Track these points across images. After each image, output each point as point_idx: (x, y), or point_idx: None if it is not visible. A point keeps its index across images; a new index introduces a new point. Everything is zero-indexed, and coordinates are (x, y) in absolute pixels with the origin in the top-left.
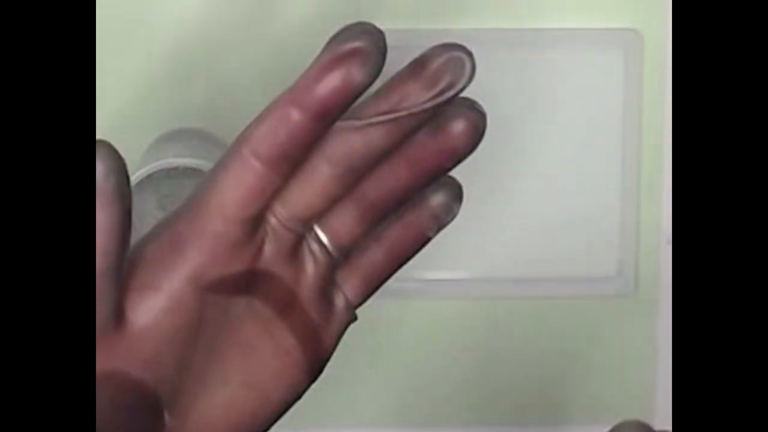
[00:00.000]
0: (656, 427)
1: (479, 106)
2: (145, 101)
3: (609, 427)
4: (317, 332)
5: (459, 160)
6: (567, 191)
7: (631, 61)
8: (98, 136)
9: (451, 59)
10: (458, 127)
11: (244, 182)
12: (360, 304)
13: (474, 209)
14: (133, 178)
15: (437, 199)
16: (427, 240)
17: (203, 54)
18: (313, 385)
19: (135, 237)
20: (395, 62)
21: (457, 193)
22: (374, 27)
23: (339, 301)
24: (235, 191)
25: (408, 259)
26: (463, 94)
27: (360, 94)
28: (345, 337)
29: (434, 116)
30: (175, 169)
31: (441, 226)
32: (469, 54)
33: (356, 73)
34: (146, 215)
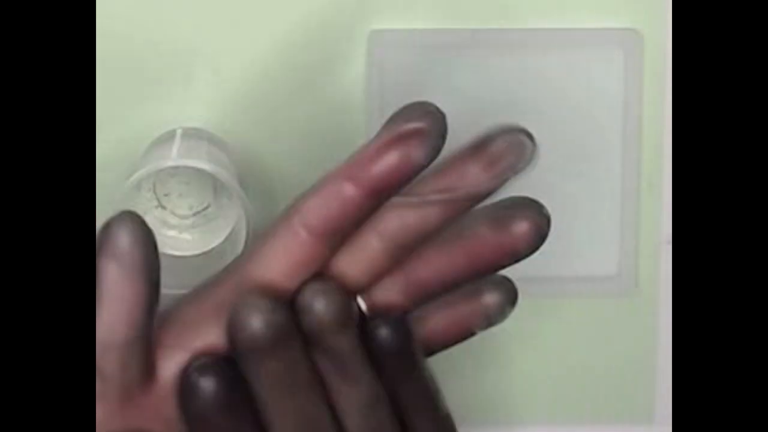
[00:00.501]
0: (656, 428)
1: (546, 210)
2: (145, 101)
3: (609, 428)
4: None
5: (517, 260)
6: (567, 191)
7: (631, 61)
8: (98, 136)
9: (512, 142)
10: (522, 228)
11: (293, 253)
12: None
13: None
14: (133, 178)
15: (492, 298)
16: (472, 335)
17: (204, 53)
18: None
19: None
20: (395, 63)
21: (512, 297)
22: (436, 108)
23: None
24: (282, 262)
25: (446, 348)
26: (467, 95)
27: (417, 174)
28: None
29: (500, 210)
30: (175, 169)
31: (489, 325)
32: (531, 137)
33: (415, 153)
34: (146, 215)
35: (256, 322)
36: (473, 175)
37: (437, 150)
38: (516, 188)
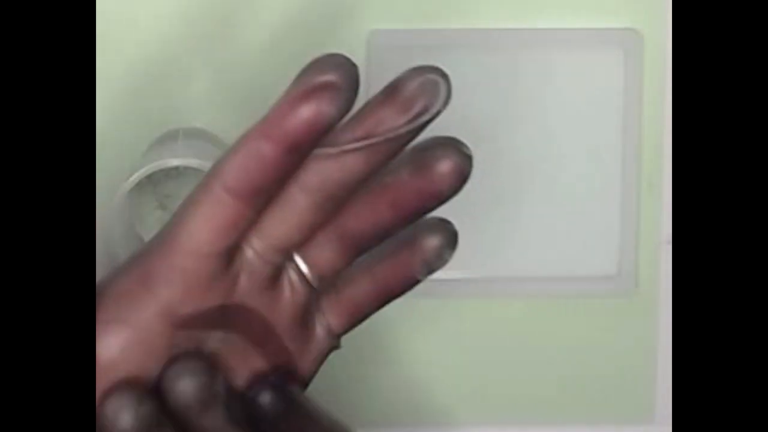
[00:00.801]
0: (656, 428)
1: (466, 148)
2: (145, 101)
3: (609, 428)
4: (293, 359)
5: (441, 202)
6: (567, 191)
7: (631, 61)
8: (98, 136)
9: (425, 82)
10: (442, 168)
11: (216, 218)
12: (343, 333)
13: (473, 209)
14: (133, 178)
15: (430, 243)
16: (417, 282)
17: (204, 53)
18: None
19: (136, 238)
20: (395, 63)
21: (451, 240)
22: (347, 59)
23: (320, 329)
24: (206, 227)
25: (396, 296)
26: (468, 95)
27: (332, 127)
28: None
29: (418, 152)
30: (175, 169)
31: (431, 271)
32: (444, 76)
33: (327, 107)
34: (146, 215)
35: (125, 417)
36: (389, 120)
37: (350, 102)
38: (514, 184)
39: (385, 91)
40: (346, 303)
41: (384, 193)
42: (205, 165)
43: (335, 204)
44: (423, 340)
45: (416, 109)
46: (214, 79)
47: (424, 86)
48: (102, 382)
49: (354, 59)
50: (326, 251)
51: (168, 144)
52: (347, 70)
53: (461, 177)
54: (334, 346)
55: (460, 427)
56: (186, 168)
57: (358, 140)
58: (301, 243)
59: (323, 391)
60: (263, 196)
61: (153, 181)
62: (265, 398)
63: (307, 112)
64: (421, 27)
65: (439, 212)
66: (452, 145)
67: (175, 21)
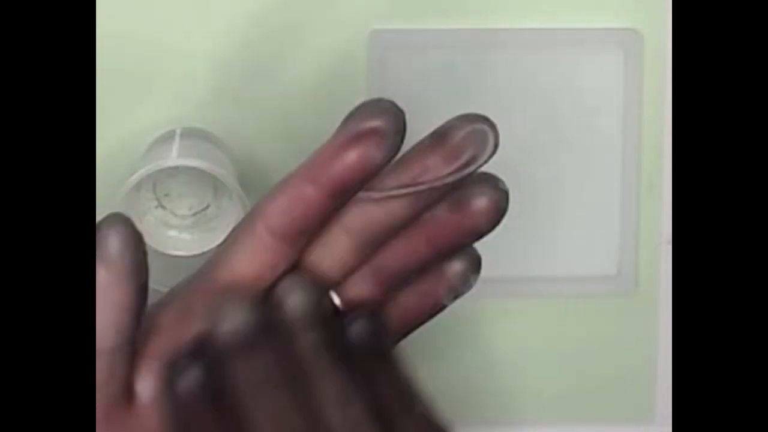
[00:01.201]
0: (656, 428)
1: (503, 184)
2: (145, 101)
3: (609, 427)
4: None
5: (478, 238)
6: (567, 191)
7: (631, 61)
8: (98, 136)
9: (474, 132)
10: (480, 205)
11: (258, 258)
12: None
13: None
14: (133, 178)
15: (455, 268)
16: (443, 308)
17: (204, 53)
18: None
19: None
20: (395, 63)
21: (475, 264)
22: (393, 104)
23: None
24: (247, 266)
25: (422, 323)
26: (468, 95)
27: (377, 173)
28: None
29: (456, 189)
30: (175, 169)
31: (456, 296)
32: (492, 126)
33: (374, 153)
34: (146, 215)
35: (234, 320)
36: (436, 168)
37: (396, 148)
38: (514, 184)
39: (432, 138)
40: None
41: (421, 229)
42: (205, 165)
43: (376, 246)
44: (422, 339)
45: (464, 159)
46: (214, 78)
47: (473, 136)
48: (142, 420)
49: (354, 59)
50: (361, 287)
51: (167, 144)
52: (394, 116)
53: (498, 213)
54: None
55: (460, 426)
56: (185, 168)
57: (403, 187)
58: (339, 281)
59: None
60: (305, 237)
61: (153, 181)
62: (358, 326)
63: (353, 157)
64: (421, 27)
65: None
66: (489, 182)
67: (176, 20)
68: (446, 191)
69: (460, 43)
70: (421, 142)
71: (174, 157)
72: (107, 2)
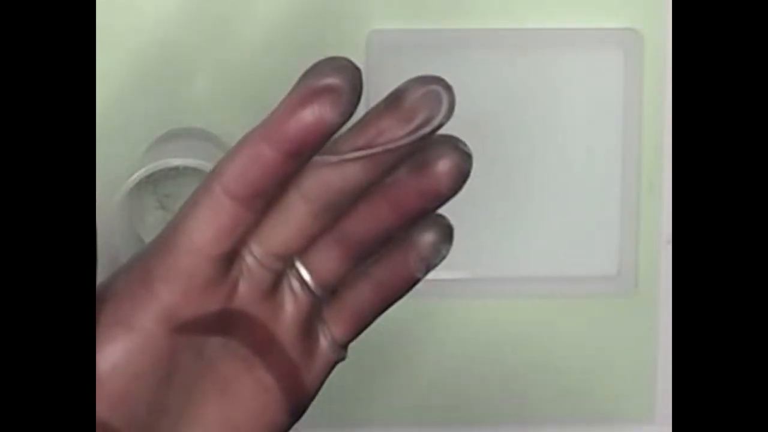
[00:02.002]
0: (656, 427)
1: (464, 145)
2: (144, 101)
3: (609, 427)
4: (298, 371)
5: (442, 202)
6: (567, 191)
7: (631, 61)
8: (99, 137)
9: (428, 93)
10: (442, 167)
11: (216, 220)
12: (348, 342)
13: (473, 209)
14: (133, 178)
15: (425, 239)
16: (416, 281)
17: (204, 53)
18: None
19: (136, 238)
20: (395, 63)
21: (446, 234)
22: (349, 62)
23: (323, 340)
24: (205, 229)
25: (397, 298)
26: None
27: (334, 132)
28: None
29: (417, 152)
30: (175, 169)
31: (429, 268)
32: (448, 87)
33: (329, 111)
34: (146, 215)
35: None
36: (390, 130)
37: (353, 106)
38: (514, 184)
39: (386, 101)
40: (348, 311)
41: (383, 194)
42: (205, 165)
43: (335, 212)
44: (422, 339)
45: (418, 120)
46: (215, 79)
47: (427, 97)
48: (103, 388)
49: (354, 59)
50: (328, 257)
51: (168, 144)
52: (350, 73)
53: (461, 175)
54: (341, 357)
55: (460, 426)
56: (186, 168)
57: (358, 150)
58: (302, 250)
59: (323, 390)
60: (263, 199)
61: (153, 181)
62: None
63: (308, 116)
64: (421, 27)
65: (440, 212)
66: (451, 144)
67: (176, 21)
68: (405, 154)
69: (460, 43)
70: (377, 106)
71: (175, 157)
72: (107, 2)
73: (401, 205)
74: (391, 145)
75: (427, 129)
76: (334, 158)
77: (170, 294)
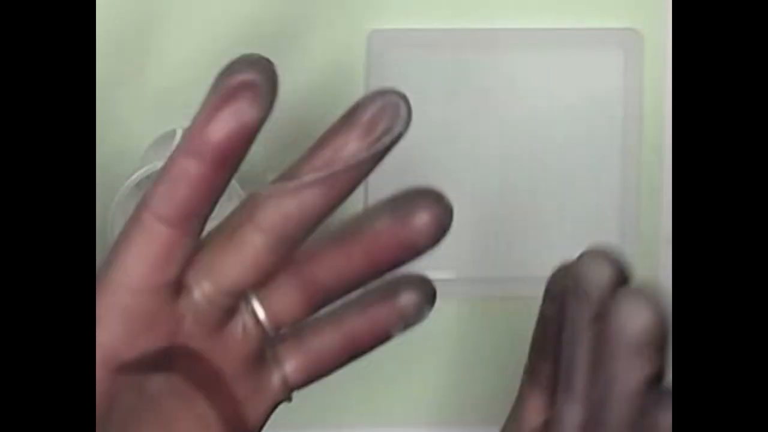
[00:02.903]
0: None
1: (446, 199)
2: (144, 101)
3: None
4: (241, 409)
5: (418, 255)
6: (566, 191)
7: (631, 61)
8: (99, 137)
9: (385, 105)
10: (421, 220)
11: (150, 250)
12: (301, 386)
13: (473, 209)
14: (133, 178)
15: (409, 299)
16: (390, 338)
17: (204, 53)
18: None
19: None
20: (395, 63)
21: (430, 295)
22: (262, 57)
23: (274, 379)
24: (141, 261)
25: (365, 352)
26: (467, 101)
27: (257, 130)
28: None
29: (398, 203)
30: None
31: (407, 327)
32: (404, 97)
33: (248, 109)
34: None
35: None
36: (349, 146)
37: (272, 101)
38: (513, 184)
39: (342, 119)
40: (309, 355)
41: (358, 241)
42: None
43: (292, 244)
44: (422, 339)
45: (378, 131)
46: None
47: (385, 108)
48: None
49: (354, 59)
50: (288, 298)
51: (167, 144)
52: (264, 67)
53: (440, 229)
54: (286, 398)
55: (460, 426)
56: None
57: (316, 170)
58: (257, 284)
59: (319, 390)
60: (197, 219)
61: (153, 181)
62: None
63: (228, 119)
64: (421, 27)
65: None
66: (432, 196)
67: (177, 21)
68: (365, 173)
69: (460, 43)
70: (332, 126)
71: None
72: (107, 2)
73: (376, 255)
74: (352, 161)
75: (388, 139)
76: (291, 184)
77: (109, 336)
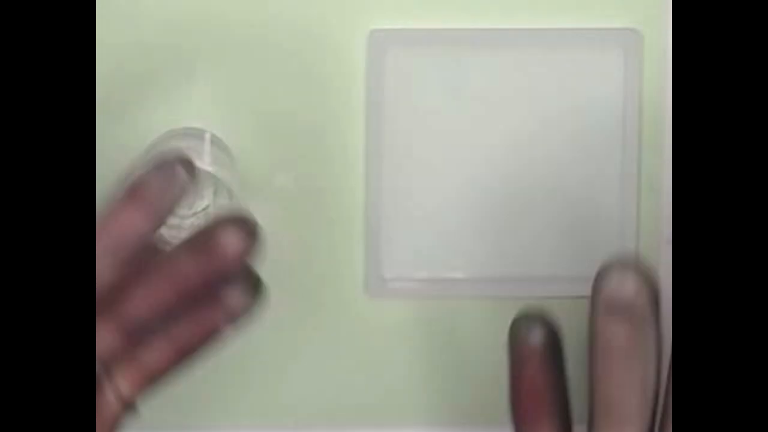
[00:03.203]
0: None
1: (250, 221)
2: (145, 101)
3: None
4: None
5: (227, 281)
6: (566, 191)
7: (631, 61)
8: (99, 137)
9: (163, 177)
10: (223, 242)
11: None
12: (138, 397)
13: (472, 209)
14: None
15: (232, 297)
16: (221, 337)
17: (205, 54)
18: (311, 384)
19: None
20: (395, 63)
21: (254, 287)
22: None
23: (109, 397)
24: None
25: (197, 355)
26: (467, 101)
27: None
28: (345, 336)
29: (198, 235)
30: None
31: (236, 321)
32: (185, 162)
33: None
34: None
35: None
36: (133, 223)
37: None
38: (513, 184)
39: (125, 192)
40: (140, 369)
41: (164, 276)
42: (205, 165)
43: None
44: (422, 340)
45: (159, 206)
46: (216, 79)
47: (164, 181)
48: None
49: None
50: (107, 338)
51: (168, 144)
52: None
53: (245, 252)
54: (129, 410)
55: (460, 426)
56: None
57: (105, 249)
58: None
59: (316, 390)
60: None
61: None
62: None
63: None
64: (422, 27)
65: (439, 208)
66: (231, 218)
67: (177, 21)
68: (152, 242)
69: (460, 42)
70: (116, 197)
71: None
72: (107, 2)
73: (183, 286)
74: (136, 238)
75: (169, 210)
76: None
77: None
